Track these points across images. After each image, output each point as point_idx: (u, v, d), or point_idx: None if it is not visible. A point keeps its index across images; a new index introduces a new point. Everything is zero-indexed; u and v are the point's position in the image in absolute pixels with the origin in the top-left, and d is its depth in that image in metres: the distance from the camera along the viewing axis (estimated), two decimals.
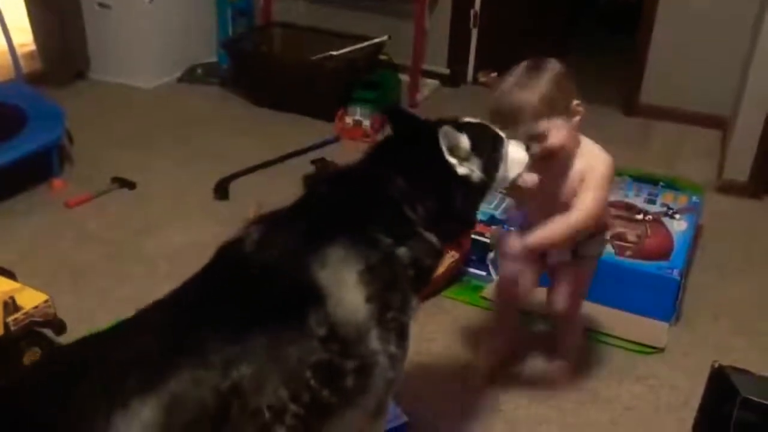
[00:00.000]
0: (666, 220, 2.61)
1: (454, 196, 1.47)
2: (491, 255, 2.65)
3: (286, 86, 3.81)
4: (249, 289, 1.32)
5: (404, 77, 4.01)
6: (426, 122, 1.52)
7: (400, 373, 1.46)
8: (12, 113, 3.10)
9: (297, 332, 1.29)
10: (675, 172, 3.24)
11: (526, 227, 1.93)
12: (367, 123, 3.60)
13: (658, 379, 2.19)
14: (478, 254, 2.64)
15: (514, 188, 1.84)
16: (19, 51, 3.47)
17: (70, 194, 2.99)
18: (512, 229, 2.06)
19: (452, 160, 1.44)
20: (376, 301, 1.35)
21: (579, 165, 1.82)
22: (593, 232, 1.92)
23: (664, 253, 2.44)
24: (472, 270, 2.61)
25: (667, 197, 2.75)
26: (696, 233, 2.68)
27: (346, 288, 1.33)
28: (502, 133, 1.58)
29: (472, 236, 2.68)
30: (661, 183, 2.91)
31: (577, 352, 2.19)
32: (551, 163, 1.79)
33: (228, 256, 1.40)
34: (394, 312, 1.40)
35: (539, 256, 1.96)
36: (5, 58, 3.43)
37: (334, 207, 1.42)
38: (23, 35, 3.88)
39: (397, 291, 1.41)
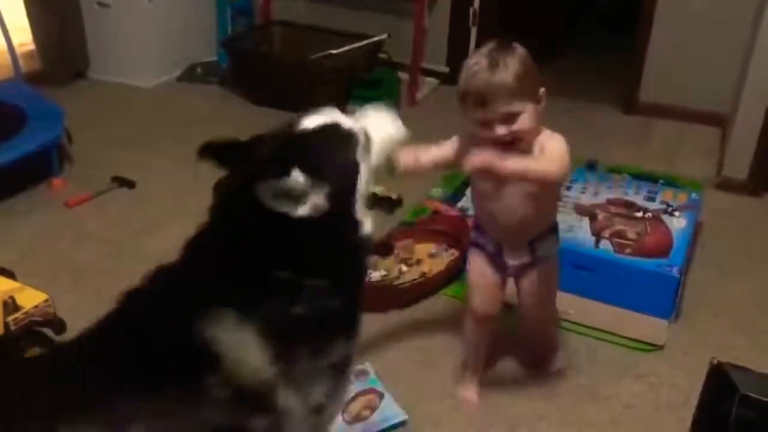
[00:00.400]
0: (665, 217, 2.61)
1: (312, 237, 1.29)
2: None
3: (286, 85, 3.80)
4: (143, 348, 1.25)
5: (404, 76, 4.02)
6: (247, 174, 1.30)
7: (332, 417, 1.41)
8: (11, 113, 3.11)
9: (195, 394, 1.23)
10: (674, 170, 3.24)
11: (487, 231, 1.95)
12: None
13: (657, 377, 2.19)
14: None
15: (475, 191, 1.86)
16: (19, 51, 3.47)
17: (69, 194, 2.99)
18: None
19: (284, 209, 1.26)
20: (280, 359, 1.27)
21: (536, 153, 1.78)
22: (548, 228, 1.93)
23: (663, 251, 2.44)
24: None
25: (666, 195, 2.75)
26: (695, 231, 2.68)
27: (244, 349, 1.25)
28: (353, 125, 1.37)
29: None
30: (661, 180, 2.91)
31: (559, 341, 2.23)
32: (512, 151, 1.75)
33: (129, 307, 1.33)
34: (306, 364, 1.31)
35: (501, 263, 1.96)
36: (5, 58, 3.43)
37: (218, 272, 1.31)
38: (23, 35, 3.88)
39: (306, 343, 1.31)
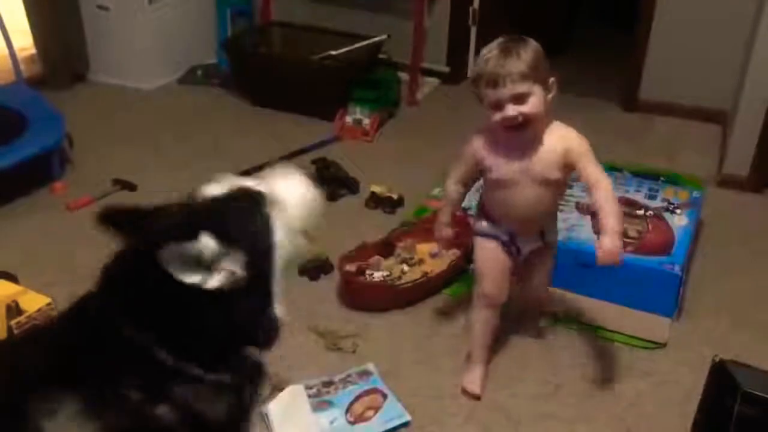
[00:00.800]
0: (667, 215, 2.61)
1: (222, 314, 1.13)
2: None
3: (286, 86, 3.81)
4: None
5: (404, 76, 4.02)
6: (148, 238, 1.13)
7: None
8: (13, 117, 3.11)
9: None
10: (675, 167, 3.24)
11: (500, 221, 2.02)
12: (366, 122, 3.60)
13: (661, 375, 2.19)
14: None
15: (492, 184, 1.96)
16: (20, 55, 3.47)
17: (71, 197, 2.99)
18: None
19: (193, 279, 1.09)
20: None
21: (552, 142, 1.88)
22: (555, 215, 2.10)
23: (665, 249, 2.44)
24: (473, 267, 2.60)
25: (667, 192, 2.75)
26: (697, 228, 2.67)
27: None
28: (261, 187, 1.25)
29: None
30: (662, 178, 2.91)
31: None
32: (520, 138, 1.86)
33: None
34: None
35: (514, 249, 2.04)
36: (6, 62, 3.44)
37: (72, 352, 1.13)
38: (23, 39, 3.88)
39: None
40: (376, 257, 2.56)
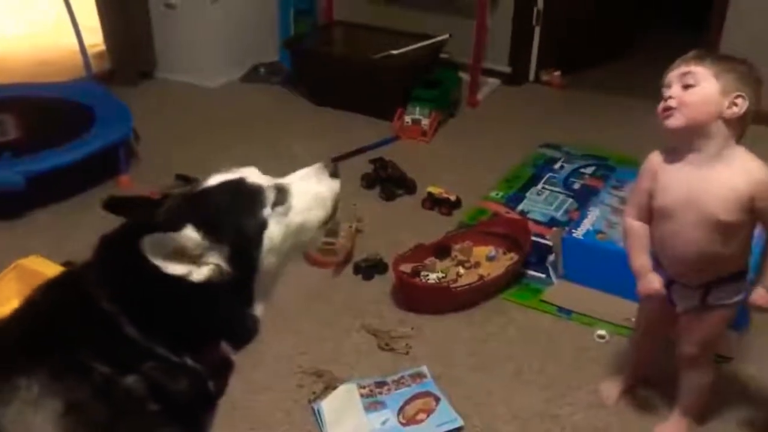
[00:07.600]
0: None
1: (200, 306, 1.12)
2: (551, 257, 2.60)
3: (346, 85, 3.82)
4: None
5: (465, 76, 3.98)
6: (136, 226, 1.13)
7: None
8: (82, 111, 3.20)
9: None
10: None
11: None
12: (425, 122, 3.58)
13: (729, 392, 2.10)
14: (538, 256, 2.60)
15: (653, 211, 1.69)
16: (89, 51, 3.57)
17: (136, 191, 3.06)
18: None
19: (178, 271, 1.08)
20: None
21: (732, 175, 1.58)
22: (732, 273, 1.69)
23: None
24: (531, 272, 2.56)
25: None
26: None
27: None
28: (263, 181, 1.23)
29: (533, 238, 2.64)
30: None
31: (702, 410, 1.96)
32: (683, 145, 1.62)
33: None
34: None
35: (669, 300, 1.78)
36: (76, 58, 3.55)
37: (34, 329, 1.11)
38: (93, 35, 3.99)
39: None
40: (432, 258, 2.54)
